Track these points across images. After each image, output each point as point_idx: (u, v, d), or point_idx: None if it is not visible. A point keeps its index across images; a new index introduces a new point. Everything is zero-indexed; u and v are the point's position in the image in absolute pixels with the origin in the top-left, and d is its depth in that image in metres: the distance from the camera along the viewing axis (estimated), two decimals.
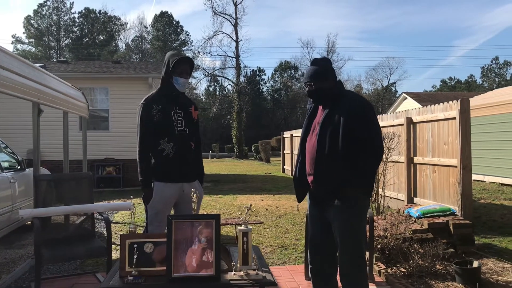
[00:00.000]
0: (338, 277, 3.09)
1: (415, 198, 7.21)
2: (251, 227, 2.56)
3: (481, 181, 11.63)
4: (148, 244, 2.55)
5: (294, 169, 3.16)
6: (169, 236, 2.49)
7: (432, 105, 6.80)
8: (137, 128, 3.36)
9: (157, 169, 3.31)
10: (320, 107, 3.06)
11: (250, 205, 2.69)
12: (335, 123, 2.85)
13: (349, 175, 2.83)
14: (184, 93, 3.51)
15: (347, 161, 2.82)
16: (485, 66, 64.85)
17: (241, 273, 2.50)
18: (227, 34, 39.28)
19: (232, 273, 2.51)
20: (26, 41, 55.53)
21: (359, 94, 3.26)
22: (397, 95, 43.36)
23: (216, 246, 2.49)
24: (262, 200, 9.75)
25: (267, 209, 8.37)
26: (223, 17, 38.49)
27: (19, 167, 6.34)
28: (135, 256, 2.46)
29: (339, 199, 2.87)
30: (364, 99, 2.99)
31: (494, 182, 11.38)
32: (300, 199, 3.17)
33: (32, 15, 54.45)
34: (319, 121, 2.97)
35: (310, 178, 2.99)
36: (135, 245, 2.50)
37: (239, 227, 2.56)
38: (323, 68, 2.98)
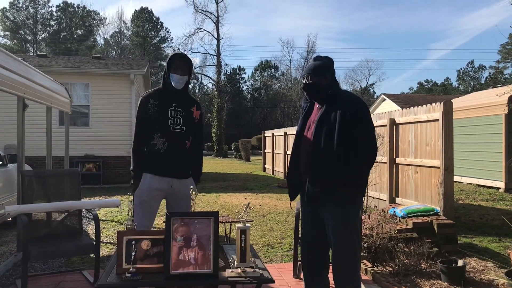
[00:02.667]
0: (330, 275, 3.13)
1: (396, 198, 7.33)
2: (249, 225, 2.57)
3: (459, 182, 11.87)
4: (145, 241, 2.54)
5: (287, 167, 3.18)
6: (168, 232, 2.48)
7: (415, 107, 6.92)
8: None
9: (147, 162, 3.39)
10: (316, 106, 3.09)
11: (249, 203, 2.70)
12: (331, 123, 2.88)
13: (344, 174, 2.86)
14: (187, 92, 3.54)
15: (342, 160, 2.85)
16: (461, 69, 66.43)
17: (239, 270, 2.51)
18: (208, 31, 39.18)
19: (230, 270, 2.52)
20: (1, 33, 54.30)
21: (354, 94, 3.29)
22: (375, 96, 44.00)
23: (214, 243, 2.50)
24: (245, 198, 9.76)
25: (251, 208, 8.37)
26: (205, 14, 38.36)
27: (0, 162, 6.21)
28: (132, 253, 2.45)
29: (333, 197, 2.90)
30: (360, 100, 3.03)
31: (471, 183, 11.64)
32: (293, 197, 3.19)
33: (7, 8, 53.21)
34: (314, 120, 2.99)
35: (304, 176, 3.02)
36: (132, 242, 2.48)
37: (237, 225, 2.57)
38: (323, 65, 3.02)
